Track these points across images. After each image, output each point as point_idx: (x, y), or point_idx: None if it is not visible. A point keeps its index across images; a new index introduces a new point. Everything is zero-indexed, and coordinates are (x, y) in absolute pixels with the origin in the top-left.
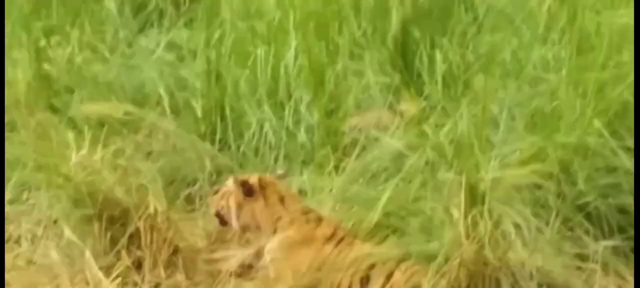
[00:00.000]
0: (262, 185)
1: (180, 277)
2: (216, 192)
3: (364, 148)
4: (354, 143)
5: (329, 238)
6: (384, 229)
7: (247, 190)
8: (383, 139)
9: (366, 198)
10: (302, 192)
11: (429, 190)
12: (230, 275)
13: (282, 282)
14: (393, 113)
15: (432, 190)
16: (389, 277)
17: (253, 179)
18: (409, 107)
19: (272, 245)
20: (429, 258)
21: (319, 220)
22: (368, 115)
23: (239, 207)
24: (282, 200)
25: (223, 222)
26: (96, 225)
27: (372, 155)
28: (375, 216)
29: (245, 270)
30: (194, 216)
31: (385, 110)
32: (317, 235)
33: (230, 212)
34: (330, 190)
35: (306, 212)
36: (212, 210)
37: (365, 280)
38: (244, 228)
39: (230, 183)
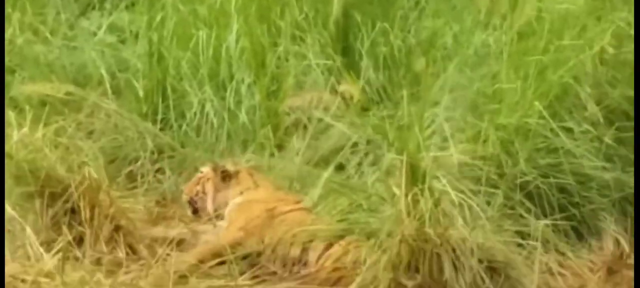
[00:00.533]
0: (237, 172)
1: (121, 253)
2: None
3: (305, 128)
4: (296, 124)
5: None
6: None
7: (224, 177)
8: (325, 119)
9: (308, 177)
10: None
11: (370, 169)
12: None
13: (234, 225)
14: (334, 94)
15: (374, 169)
16: (327, 248)
17: (230, 166)
18: (349, 89)
19: (233, 204)
20: (371, 234)
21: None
22: (308, 95)
23: (216, 192)
24: (256, 185)
25: (195, 210)
26: (37, 202)
27: (314, 135)
28: (316, 193)
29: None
30: (135, 193)
31: (325, 92)
32: (274, 200)
33: (206, 198)
34: (269, 169)
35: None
36: (185, 198)
37: (304, 251)
38: (217, 214)
39: (206, 170)
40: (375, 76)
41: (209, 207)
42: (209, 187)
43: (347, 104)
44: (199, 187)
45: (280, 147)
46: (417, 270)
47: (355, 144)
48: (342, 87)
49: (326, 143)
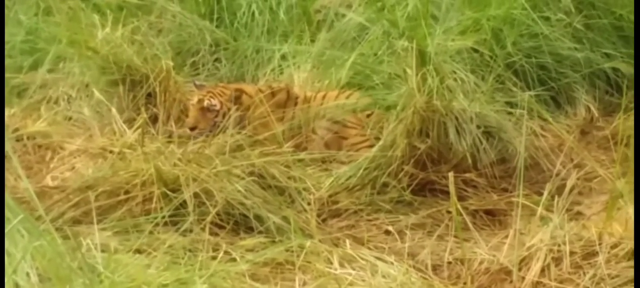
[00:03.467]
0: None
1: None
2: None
3: (333, 23)
4: (325, 19)
5: (286, 101)
6: (353, 86)
7: (237, 99)
8: (349, 14)
9: (337, 59)
10: (284, 57)
11: (386, 55)
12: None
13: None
14: None
15: (389, 54)
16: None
17: (238, 92)
18: None
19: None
20: (390, 107)
21: (271, 88)
22: None
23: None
24: (249, 95)
25: (193, 127)
26: (121, 88)
27: (340, 27)
28: (344, 72)
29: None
30: (198, 79)
31: None
32: (275, 102)
33: (220, 112)
34: (309, 54)
35: (258, 90)
36: (196, 100)
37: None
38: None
39: (218, 89)
40: None
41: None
42: (225, 104)
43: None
44: (215, 101)
45: (312, 39)
46: (427, 135)
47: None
48: None
49: (350, 34)
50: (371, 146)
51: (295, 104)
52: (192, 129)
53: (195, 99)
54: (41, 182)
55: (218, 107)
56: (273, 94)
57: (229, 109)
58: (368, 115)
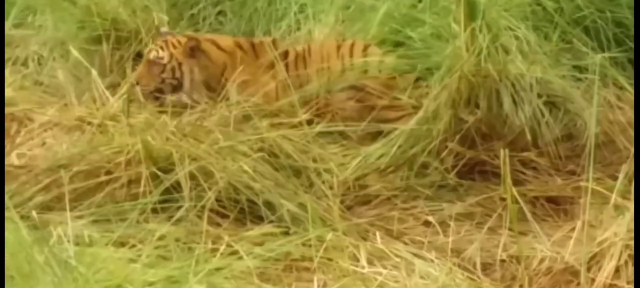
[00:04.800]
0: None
1: (184, 96)
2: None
3: None
4: None
5: (276, 60)
6: (386, 44)
7: (192, 51)
8: None
9: (367, 11)
10: (303, 9)
11: (427, 6)
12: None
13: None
14: None
15: (431, 5)
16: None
17: (192, 42)
18: None
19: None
20: (431, 70)
21: (253, 46)
22: None
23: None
24: (218, 46)
25: (159, 94)
26: (103, 46)
27: None
28: (375, 27)
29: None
30: None
31: None
32: (261, 63)
33: (186, 74)
34: (331, 4)
35: (237, 43)
36: (154, 55)
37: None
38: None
39: (173, 39)
40: None
41: (187, 83)
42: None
43: None
44: (165, 53)
45: None
46: (476, 106)
47: None
48: None
49: None
50: (406, 118)
51: (286, 59)
52: (137, 83)
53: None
54: (5, 160)
55: (165, 60)
56: (254, 50)
57: (180, 64)
58: (391, 78)
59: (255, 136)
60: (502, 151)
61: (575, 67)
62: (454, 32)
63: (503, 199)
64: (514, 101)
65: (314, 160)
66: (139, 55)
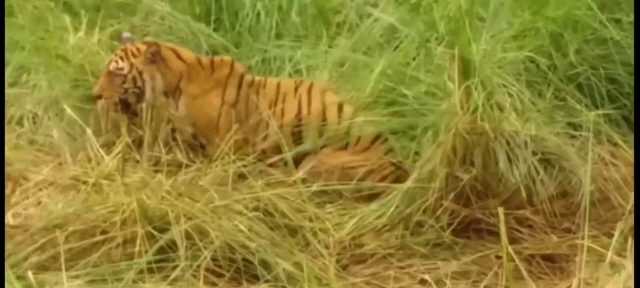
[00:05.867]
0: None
1: (179, 154)
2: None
3: (356, 25)
4: (345, 21)
5: (227, 78)
6: (381, 101)
7: (153, 56)
8: (376, 13)
9: (362, 69)
10: (297, 67)
11: (422, 64)
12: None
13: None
14: None
15: (425, 63)
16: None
17: (153, 47)
18: None
19: (182, 109)
20: (426, 128)
21: (212, 63)
22: None
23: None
24: (178, 56)
25: (125, 107)
26: (98, 104)
27: (366, 29)
28: (370, 84)
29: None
30: None
31: None
32: (215, 79)
33: (147, 82)
34: (325, 61)
35: (198, 59)
36: (113, 66)
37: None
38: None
39: (132, 47)
40: None
41: (149, 92)
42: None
43: None
44: (125, 63)
45: (330, 46)
46: (472, 163)
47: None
48: None
49: (376, 38)
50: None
51: (239, 84)
52: (98, 97)
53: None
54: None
55: (125, 71)
56: (212, 66)
57: (141, 73)
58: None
59: (251, 195)
60: (500, 211)
61: (569, 124)
62: (449, 90)
63: (499, 257)
64: (508, 159)
65: (310, 220)
66: (134, 114)
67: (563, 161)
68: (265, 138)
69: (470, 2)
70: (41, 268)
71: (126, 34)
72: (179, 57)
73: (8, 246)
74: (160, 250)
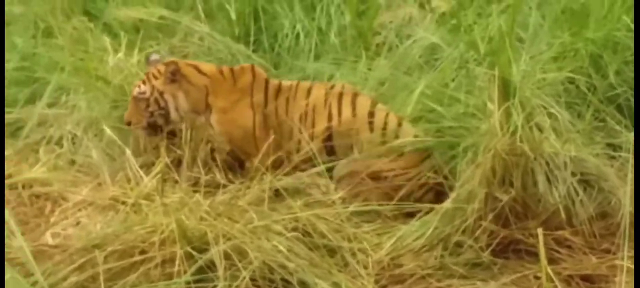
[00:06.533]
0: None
1: (218, 174)
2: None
3: (396, 46)
4: (385, 42)
5: (252, 84)
6: (420, 121)
7: (173, 75)
8: (416, 33)
9: (402, 89)
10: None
11: (462, 85)
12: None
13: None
14: (424, 11)
15: (465, 84)
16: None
17: (171, 66)
18: (440, 3)
19: (215, 129)
20: (466, 149)
21: (232, 72)
22: (399, 11)
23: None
24: (199, 70)
25: (155, 129)
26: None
27: (405, 49)
28: (410, 105)
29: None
30: None
31: (415, 8)
32: (238, 86)
33: (170, 102)
34: (365, 81)
35: (219, 70)
36: (137, 91)
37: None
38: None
39: (154, 70)
40: None
41: (173, 112)
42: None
43: (437, 18)
44: (148, 86)
45: (369, 68)
46: (511, 184)
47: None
48: (434, 2)
49: (416, 58)
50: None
51: (266, 89)
52: (128, 124)
53: None
54: (39, 239)
55: (147, 94)
56: (233, 75)
57: (162, 93)
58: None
59: (289, 215)
60: (539, 231)
61: (608, 145)
62: (488, 111)
63: (538, 278)
64: (548, 179)
65: (348, 240)
66: (172, 134)
67: (602, 182)
68: (298, 146)
69: (510, 23)
70: None
71: (155, 56)
72: (199, 71)
73: (47, 266)
74: (199, 271)
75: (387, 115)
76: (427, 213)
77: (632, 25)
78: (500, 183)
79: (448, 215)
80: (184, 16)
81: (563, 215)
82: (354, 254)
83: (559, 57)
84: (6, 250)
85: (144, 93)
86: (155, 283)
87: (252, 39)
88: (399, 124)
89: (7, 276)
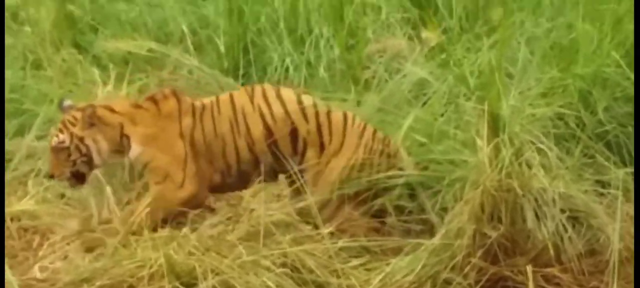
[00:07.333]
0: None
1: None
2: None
3: (385, 81)
4: (375, 76)
5: (179, 111)
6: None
7: (90, 118)
8: (406, 67)
9: (390, 123)
10: None
11: (451, 119)
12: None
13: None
14: (413, 44)
15: (454, 119)
16: None
17: (89, 109)
18: (430, 36)
19: (137, 155)
20: (454, 182)
21: (153, 100)
22: (389, 42)
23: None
24: (112, 110)
25: (79, 178)
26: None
27: (395, 84)
28: (399, 140)
29: None
30: None
31: (405, 41)
32: (164, 113)
33: (91, 147)
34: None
35: (134, 105)
36: (55, 141)
37: None
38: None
39: (68, 117)
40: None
41: (97, 157)
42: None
43: (426, 52)
44: (66, 134)
45: (359, 101)
46: (499, 221)
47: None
48: (423, 34)
49: (405, 93)
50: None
51: (193, 112)
52: (51, 176)
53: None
54: (26, 273)
55: (67, 142)
56: (156, 104)
57: (82, 139)
58: None
59: (278, 251)
60: (528, 268)
61: (598, 182)
62: (478, 146)
63: None
64: (536, 216)
65: (337, 276)
66: None
67: (591, 219)
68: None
69: (499, 58)
70: None
71: (67, 102)
72: (112, 111)
73: None
74: None
75: (314, 104)
76: (415, 249)
77: (621, 62)
78: (489, 219)
79: (436, 251)
80: (172, 49)
81: (552, 252)
82: None
83: (548, 93)
84: None
85: (63, 142)
86: None
87: (241, 72)
88: (328, 112)
89: None
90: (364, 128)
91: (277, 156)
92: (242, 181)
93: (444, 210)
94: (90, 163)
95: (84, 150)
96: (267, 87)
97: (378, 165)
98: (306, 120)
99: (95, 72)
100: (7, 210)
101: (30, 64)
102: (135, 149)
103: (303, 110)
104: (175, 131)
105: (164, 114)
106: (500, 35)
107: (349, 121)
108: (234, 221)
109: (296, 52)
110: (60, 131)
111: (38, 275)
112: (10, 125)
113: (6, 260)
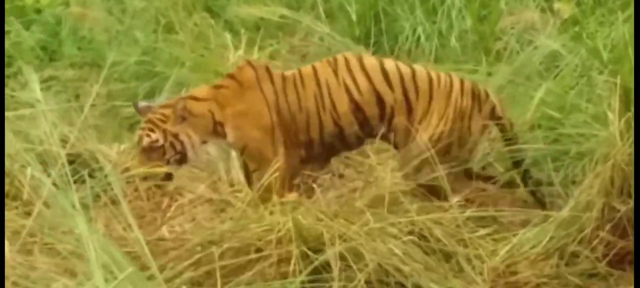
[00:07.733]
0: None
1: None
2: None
3: (517, 53)
4: (507, 48)
5: (256, 79)
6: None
7: (183, 112)
8: (538, 39)
9: (521, 95)
10: None
11: (583, 93)
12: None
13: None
14: (546, 16)
15: (586, 92)
16: None
17: (181, 103)
18: (564, 8)
19: (234, 140)
20: (583, 155)
21: (231, 76)
22: (522, 15)
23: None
24: (197, 99)
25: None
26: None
27: (526, 56)
28: (529, 113)
29: None
30: None
31: (537, 13)
32: (245, 85)
33: (186, 142)
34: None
35: (214, 86)
36: (147, 141)
37: None
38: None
39: (155, 116)
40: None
41: (190, 153)
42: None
43: (559, 24)
44: (157, 132)
45: (489, 73)
46: (629, 195)
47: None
48: (557, 6)
49: (536, 65)
50: None
51: (271, 80)
52: (145, 178)
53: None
54: (155, 233)
55: (161, 141)
56: (234, 78)
57: (177, 135)
58: None
59: (406, 219)
60: None
61: None
62: (609, 120)
63: None
64: None
65: (464, 245)
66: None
67: None
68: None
69: (632, 32)
70: (196, 284)
71: (143, 103)
72: (196, 99)
73: (163, 260)
74: (314, 271)
75: (398, 69)
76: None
77: None
78: (619, 193)
79: (565, 224)
80: (304, 16)
81: None
82: (469, 260)
83: None
84: (122, 242)
85: (156, 141)
86: (270, 282)
87: (372, 40)
88: (413, 75)
89: (123, 268)
90: (451, 85)
91: (362, 124)
92: (328, 153)
93: (572, 182)
94: (182, 160)
95: (178, 147)
96: (349, 56)
97: (469, 118)
98: (391, 89)
99: (227, 36)
100: (136, 171)
101: (163, 27)
102: (230, 134)
103: (387, 79)
104: (260, 99)
105: (245, 85)
106: (635, 9)
107: (434, 81)
108: (361, 188)
109: (428, 21)
110: (151, 130)
111: (166, 235)
112: (141, 88)
113: (135, 219)
